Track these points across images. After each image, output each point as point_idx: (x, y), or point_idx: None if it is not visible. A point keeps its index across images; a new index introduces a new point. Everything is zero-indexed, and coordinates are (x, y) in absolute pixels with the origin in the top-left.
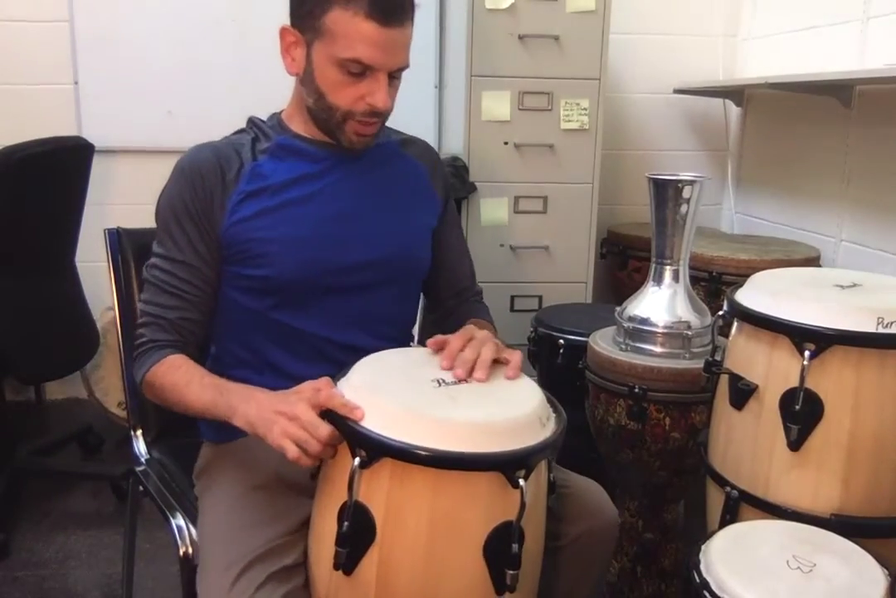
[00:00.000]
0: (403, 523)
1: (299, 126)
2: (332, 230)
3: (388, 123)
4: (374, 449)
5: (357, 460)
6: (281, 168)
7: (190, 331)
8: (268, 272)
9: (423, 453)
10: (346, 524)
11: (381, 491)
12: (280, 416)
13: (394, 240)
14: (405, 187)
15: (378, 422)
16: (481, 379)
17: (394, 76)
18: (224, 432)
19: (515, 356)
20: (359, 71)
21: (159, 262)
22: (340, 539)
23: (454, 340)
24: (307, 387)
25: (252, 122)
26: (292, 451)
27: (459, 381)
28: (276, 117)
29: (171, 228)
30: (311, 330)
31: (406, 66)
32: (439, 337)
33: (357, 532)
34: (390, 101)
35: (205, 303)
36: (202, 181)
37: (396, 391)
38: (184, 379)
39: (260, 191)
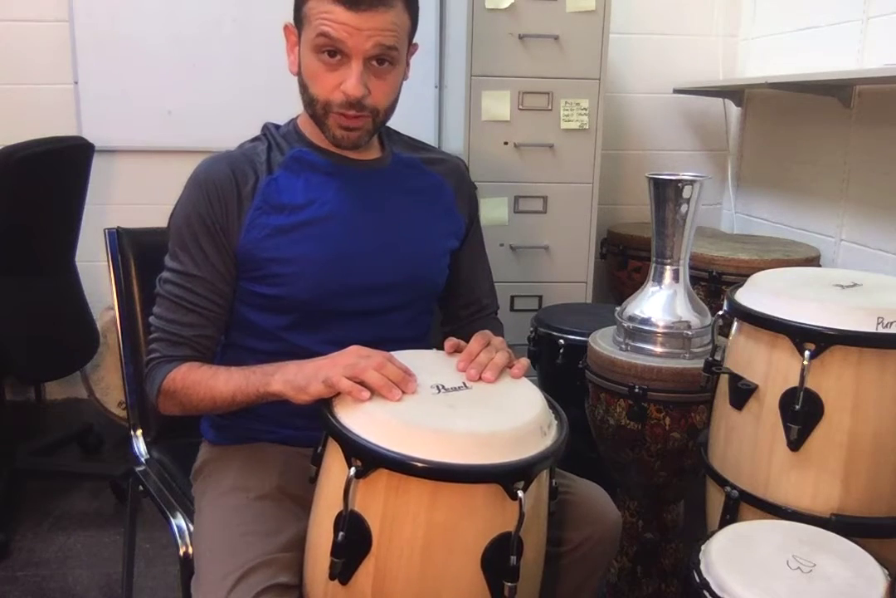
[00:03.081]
0: (399, 533)
1: (315, 134)
2: (347, 252)
3: (389, 124)
4: (370, 459)
5: (352, 469)
6: (296, 184)
7: (206, 347)
8: (281, 292)
9: (419, 464)
10: (341, 533)
11: (376, 501)
12: (335, 361)
13: (409, 263)
14: (426, 206)
15: (374, 431)
16: (489, 380)
17: (382, 61)
18: (225, 434)
19: (523, 360)
20: (331, 52)
21: (174, 277)
22: (336, 549)
23: (472, 343)
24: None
25: (267, 128)
26: (348, 384)
27: (459, 387)
28: (292, 123)
29: (186, 242)
30: (324, 352)
31: (390, 48)
32: (454, 340)
33: (353, 542)
34: (362, 88)
35: (220, 318)
36: (218, 194)
37: (397, 401)
38: (209, 372)
39: (275, 209)
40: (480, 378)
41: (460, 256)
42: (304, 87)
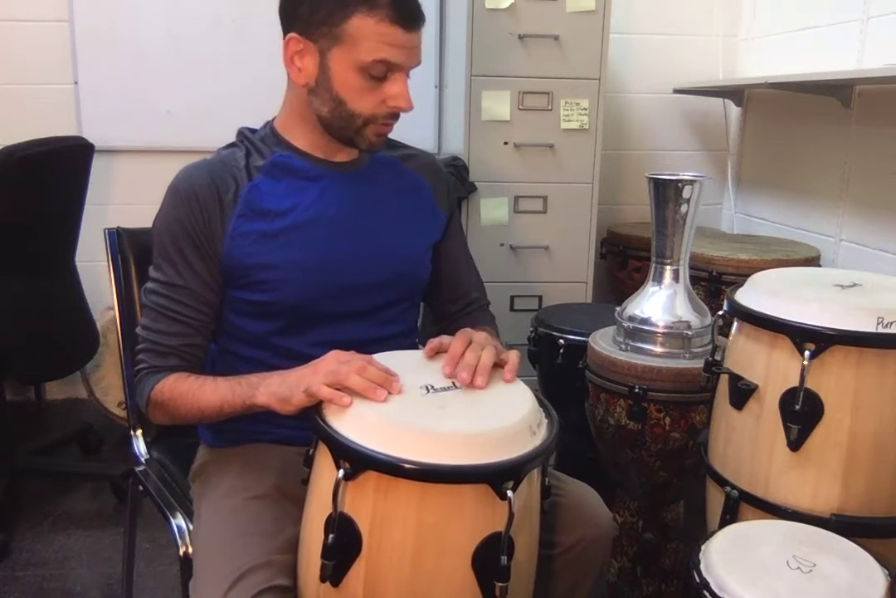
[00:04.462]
0: (389, 535)
1: (297, 138)
2: (332, 255)
3: None
4: (358, 461)
5: (341, 471)
6: (278, 189)
7: (194, 356)
8: (268, 297)
9: (408, 466)
10: (331, 536)
11: (366, 503)
12: (316, 369)
13: (394, 262)
14: (407, 205)
15: (362, 433)
16: (481, 386)
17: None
18: (222, 437)
19: (513, 357)
20: (381, 74)
21: (158, 287)
22: (326, 551)
23: (455, 344)
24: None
25: (242, 134)
26: (329, 392)
27: (448, 387)
28: (268, 127)
29: (169, 252)
30: (315, 355)
31: (419, 64)
32: (435, 341)
33: (343, 544)
34: (412, 101)
35: (207, 327)
36: (199, 203)
37: (383, 401)
38: (196, 383)
39: (258, 215)
40: (472, 383)
41: (441, 251)
42: (337, 102)
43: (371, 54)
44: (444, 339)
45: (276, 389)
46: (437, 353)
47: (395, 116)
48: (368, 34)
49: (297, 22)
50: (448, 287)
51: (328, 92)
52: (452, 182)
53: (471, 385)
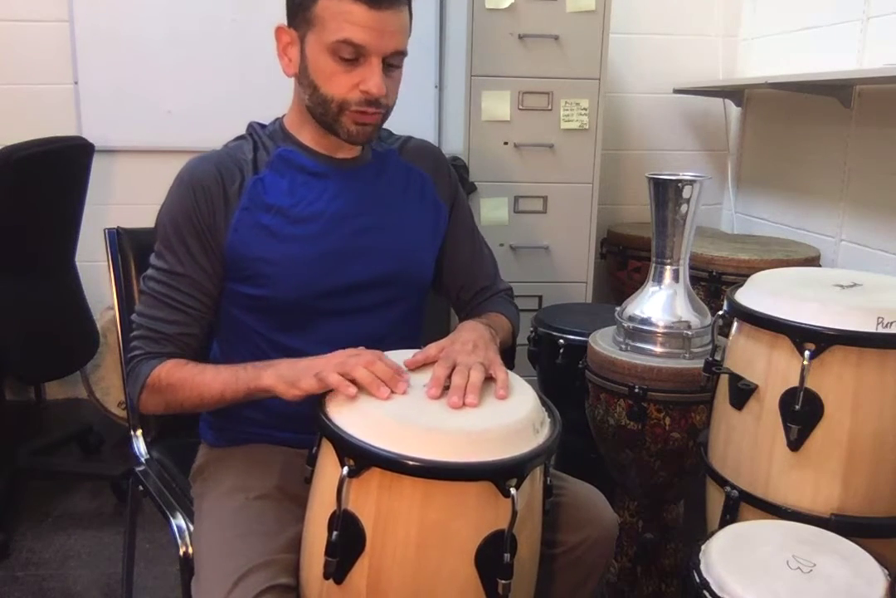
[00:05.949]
0: (393, 532)
1: (303, 134)
2: (333, 250)
3: (387, 125)
4: (362, 458)
5: (345, 468)
6: (281, 184)
7: (189, 346)
8: (267, 292)
9: (412, 462)
10: (335, 533)
11: (370, 500)
12: (328, 360)
13: (394, 260)
14: (409, 202)
15: (366, 430)
16: (474, 404)
17: (391, 64)
18: (223, 436)
19: (501, 374)
20: (351, 56)
21: (158, 275)
22: (330, 549)
23: (437, 368)
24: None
25: (252, 128)
26: (337, 379)
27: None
28: (277, 123)
29: (171, 240)
30: (315, 353)
31: (402, 52)
32: (420, 356)
33: (346, 542)
34: (384, 86)
35: (205, 317)
36: (204, 194)
37: (386, 399)
38: (196, 370)
39: (262, 208)
40: (464, 404)
41: (449, 241)
42: (312, 88)
43: (335, 34)
44: (432, 351)
45: (284, 372)
46: (421, 366)
47: (370, 103)
48: (333, 13)
49: (287, 13)
50: (458, 276)
51: (307, 78)
52: (453, 169)
53: (463, 406)
